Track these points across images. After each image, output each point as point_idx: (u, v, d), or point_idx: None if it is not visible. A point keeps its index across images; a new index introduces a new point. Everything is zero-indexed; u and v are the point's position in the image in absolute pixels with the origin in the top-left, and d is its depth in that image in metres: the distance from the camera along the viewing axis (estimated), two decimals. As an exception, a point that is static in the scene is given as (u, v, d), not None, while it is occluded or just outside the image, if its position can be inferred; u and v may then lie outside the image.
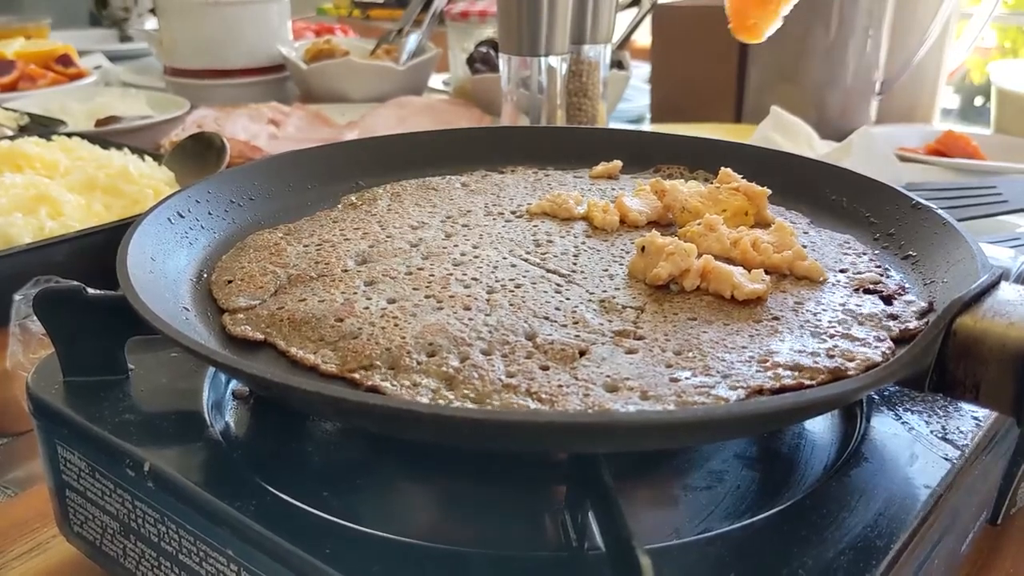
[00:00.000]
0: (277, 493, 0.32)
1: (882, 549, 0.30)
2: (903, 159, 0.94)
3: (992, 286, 0.32)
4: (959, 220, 0.43)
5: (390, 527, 0.31)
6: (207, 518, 0.32)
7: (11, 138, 0.85)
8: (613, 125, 1.16)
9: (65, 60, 1.41)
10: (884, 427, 0.38)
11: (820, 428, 0.39)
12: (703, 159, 0.56)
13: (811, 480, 0.36)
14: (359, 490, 0.35)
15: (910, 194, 0.46)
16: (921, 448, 0.36)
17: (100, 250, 0.63)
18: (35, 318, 0.53)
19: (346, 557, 0.29)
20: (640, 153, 0.57)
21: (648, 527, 0.33)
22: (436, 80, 1.48)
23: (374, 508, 0.34)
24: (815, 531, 0.31)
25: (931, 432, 0.37)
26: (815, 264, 0.41)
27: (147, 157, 0.80)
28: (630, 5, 1.25)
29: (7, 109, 1.09)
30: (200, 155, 0.80)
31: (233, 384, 0.41)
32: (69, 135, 0.86)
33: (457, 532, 0.34)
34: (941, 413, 0.39)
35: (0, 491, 0.52)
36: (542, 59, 0.82)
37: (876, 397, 0.40)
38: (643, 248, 0.40)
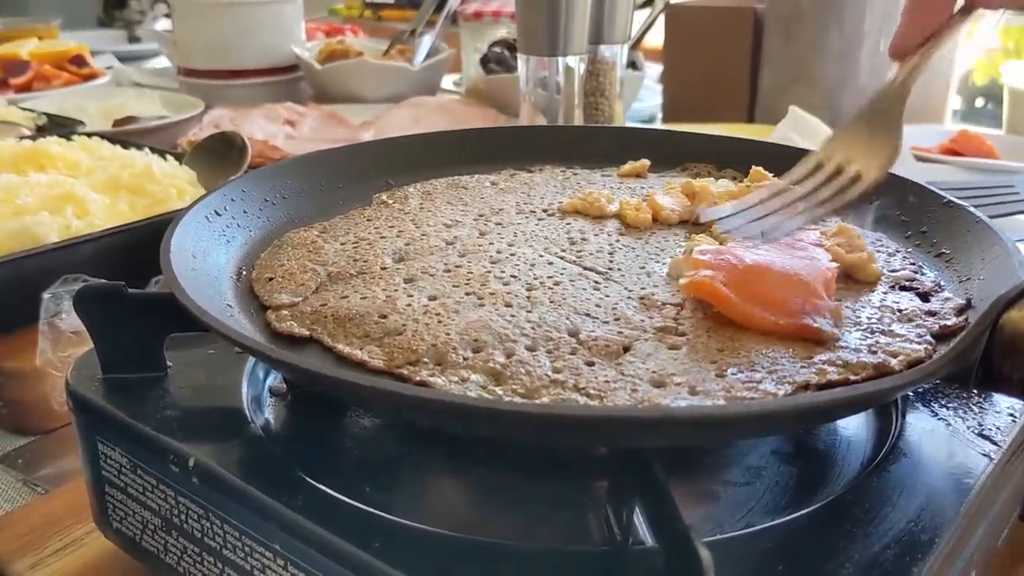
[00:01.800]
0: (321, 487, 0.33)
1: (927, 544, 0.30)
2: (919, 159, 0.94)
3: (1038, 282, 0.32)
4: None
5: (434, 521, 0.31)
6: (255, 513, 0.32)
7: (32, 138, 0.85)
8: (628, 125, 1.17)
9: (79, 60, 1.42)
10: (920, 423, 0.38)
11: (855, 425, 0.39)
12: (730, 157, 0.56)
13: (849, 476, 0.36)
14: (400, 485, 0.35)
15: (941, 192, 0.46)
16: (958, 444, 0.36)
17: (127, 248, 0.64)
18: (63, 316, 0.54)
19: (396, 551, 0.30)
20: (667, 152, 0.57)
21: (690, 522, 0.33)
22: (447, 81, 1.49)
23: (416, 502, 0.35)
24: (859, 526, 0.31)
25: (968, 428, 0.37)
26: (875, 268, 0.40)
27: (168, 157, 0.80)
28: (643, 5, 1.26)
29: (24, 109, 1.09)
30: (221, 155, 0.80)
31: (270, 380, 0.42)
32: (89, 135, 0.86)
33: (499, 526, 0.35)
34: (976, 409, 0.39)
35: (30, 488, 0.52)
36: (560, 59, 0.82)
37: (911, 394, 0.40)
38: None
